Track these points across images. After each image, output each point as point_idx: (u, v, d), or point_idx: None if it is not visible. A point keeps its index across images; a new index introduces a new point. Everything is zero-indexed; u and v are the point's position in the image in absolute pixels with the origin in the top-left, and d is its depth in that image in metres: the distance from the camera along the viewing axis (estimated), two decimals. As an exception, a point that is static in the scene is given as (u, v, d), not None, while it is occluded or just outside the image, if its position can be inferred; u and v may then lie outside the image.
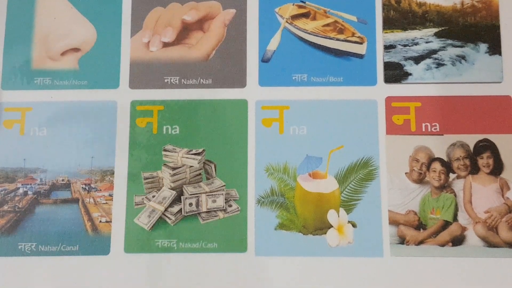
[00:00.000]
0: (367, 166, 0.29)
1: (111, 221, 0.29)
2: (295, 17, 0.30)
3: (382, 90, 0.30)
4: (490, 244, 0.29)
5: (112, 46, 0.31)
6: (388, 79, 0.30)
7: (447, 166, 0.29)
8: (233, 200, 0.29)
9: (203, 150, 0.29)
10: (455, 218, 0.29)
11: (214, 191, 0.29)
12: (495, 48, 0.30)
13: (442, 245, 0.28)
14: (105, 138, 0.30)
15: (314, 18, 0.30)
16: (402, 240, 0.28)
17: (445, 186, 0.29)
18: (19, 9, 0.31)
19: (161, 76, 0.30)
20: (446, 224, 0.29)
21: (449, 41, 0.30)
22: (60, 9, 0.31)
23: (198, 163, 0.29)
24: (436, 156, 0.29)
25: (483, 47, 0.30)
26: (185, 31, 0.30)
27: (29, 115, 0.30)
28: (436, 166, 0.29)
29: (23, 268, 0.29)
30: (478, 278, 0.28)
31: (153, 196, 0.29)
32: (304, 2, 0.31)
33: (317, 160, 0.29)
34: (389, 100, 0.29)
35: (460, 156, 0.29)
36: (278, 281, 0.28)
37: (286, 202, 0.29)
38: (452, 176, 0.29)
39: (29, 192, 0.30)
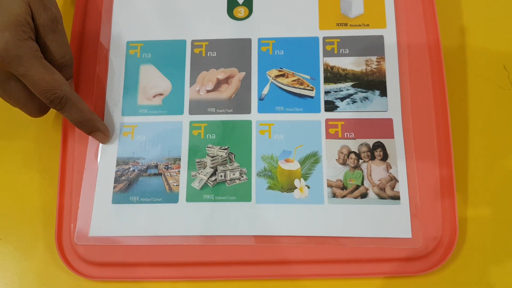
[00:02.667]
0: (315, 155, 0.31)
1: (179, 185, 0.31)
2: (277, 76, 0.33)
3: (323, 115, 0.32)
4: (381, 197, 0.30)
5: (180, 92, 0.33)
6: (326, 109, 0.32)
7: (358, 156, 0.31)
8: (244, 173, 0.31)
9: (228, 147, 0.32)
10: (362, 183, 0.31)
11: (234, 169, 0.31)
12: (383, 93, 0.32)
13: (355, 198, 0.30)
14: (176, 140, 0.32)
15: (287, 77, 0.33)
16: (334, 195, 0.31)
17: (357, 166, 0.31)
18: (131, 72, 0.34)
19: (205, 108, 0.33)
20: (357, 187, 0.31)
21: (359, 89, 0.33)
22: (152, 72, 0.34)
23: (225, 154, 0.32)
24: (352, 150, 0.31)
25: (377, 92, 0.32)
26: (218, 84, 0.33)
27: (136, 129, 0.33)
28: (352, 156, 0.31)
29: (132, 210, 0.31)
30: (373, 216, 0.30)
31: (201, 172, 0.32)
32: (282, 68, 0.33)
33: (289, 153, 0.32)
34: (327, 120, 0.32)
35: (365, 150, 0.31)
36: (268, 216, 0.30)
37: (272, 175, 0.31)
38: (360, 161, 0.31)
39: (136, 170, 0.32)
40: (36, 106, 0.29)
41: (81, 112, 0.30)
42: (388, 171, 0.31)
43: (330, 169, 0.31)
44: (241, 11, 0.34)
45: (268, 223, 0.30)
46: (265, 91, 0.33)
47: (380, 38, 0.34)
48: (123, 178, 0.32)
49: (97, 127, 0.31)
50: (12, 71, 0.26)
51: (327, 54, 0.33)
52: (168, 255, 0.30)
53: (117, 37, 0.34)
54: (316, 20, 0.34)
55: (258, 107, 0.33)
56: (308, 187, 0.31)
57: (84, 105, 0.30)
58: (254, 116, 0.32)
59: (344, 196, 0.31)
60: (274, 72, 0.33)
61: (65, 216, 0.32)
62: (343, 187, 0.31)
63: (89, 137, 0.33)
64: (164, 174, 0.32)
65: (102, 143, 0.33)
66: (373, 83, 0.33)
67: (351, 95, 0.33)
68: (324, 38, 0.34)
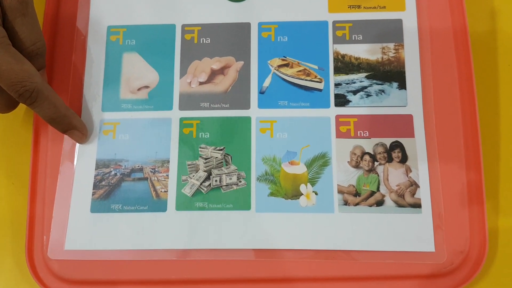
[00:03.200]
0: (324, 157, 0.30)
1: (167, 191, 0.29)
2: (280, 66, 0.31)
3: (333, 111, 0.30)
4: (399, 205, 0.29)
5: (169, 84, 0.31)
6: (337, 104, 0.30)
7: (373, 157, 0.29)
8: (242, 178, 0.29)
9: (224, 147, 0.30)
10: (378, 189, 0.29)
11: (231, 173, 0.30)
12: (402, 85, 0.30)
13: (370, 205, 0.29)
14: (164, 140, 0.30)
15: (291, 67, 0.31)
16: (346, 202, 0.29)
17: (372, 170, 0.29)
18: (112, 62, 0.32)
19: (198, 102, 0.31)
20: (372, 193, 0.29)
21: (374, 81, 0.31)
22: (136, 61, 0.32)
23: (221, 155, 0.30)
24: (366, 151, 0.29)
25: (395, 84, 0.30)
26: (213, 75, 0.31)
27: (118, 127, 0.31)
28: (366, 157, 0.29)
29: (113, 220, 0.29)
30: (391, 226, 0.28)
31: (193, 176, 0.30)
32: (285, 57, 0.32)
33: (294, 154, 0.30)
34: (337, 117, 0.30)
35: (381, 151, 0.29)
36: (269, 227, 0.28)
37: (274, 179, 0.29)
38: (376, 163, 0.29)
39: (118, 174, 0.30)
40: (3, 101, 0.27)
41: (54, 107, 0.28)
42: (407, 175, 0.29)
43: (341, 173, 0.29)
44: (239, -9, 0.32)
45: (270, 235, 0.28)
46: (267, 83, 0.31)
47: (399, 22, 0.32)
48: (103, 183, 0.30)
49: (73, 124, 0.29)
50: None
51: (337, 40, 0.32)
52: (155, 272, 0.29)
53: (96, 21, 0.32)
54: (325, 2, 0.32)
55: (258, 102, 0.31)
56: (316, 194, 0.29)
57: (58, 99, 0.28)
58: (254, 112, 0.31)
59: (357, 204, 0.29)
60: (277, 61, 0.32)
61: (37, 227, 0.30)
62: (356, 194, 0.29)
63: (65, 136, 0.31)
64: (150, 179, 0.30)
65: (79, 142, 0.30)
66: (391, 74, 0.31)
67: (365, 87, 0.31)
68: (334, 23, 0.32)
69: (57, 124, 0.29)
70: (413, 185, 0.29)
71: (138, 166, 0.30)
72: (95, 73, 0.32)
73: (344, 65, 0.31)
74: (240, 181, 0.30)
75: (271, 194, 0.29)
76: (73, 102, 0.32)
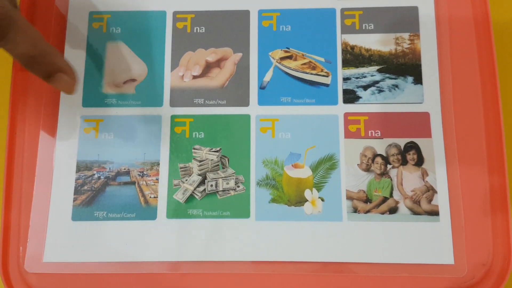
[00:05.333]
0: (331, 159, 0.28)
1: (157, 197, 0.28)
2: (282, 58, 0.30)
3: (341, 108, 0.29)
4: (414, 212, 0.27)
5: (158, 77, 0.30)
6: (345, 101, 0.29)
7: (386, 160, 0.28)
8: (240, 182, 0.28)
9: (220, 148, 0.29)
10: (391, 195, 0.28)
11: (228, 176, 0.28)
12: (418, 80, 0.29)
13: (382, 213, 0.27)
14: (153, 140, 0.29)
15: (295, 59, 0.30)
16: (355, 210, 0.28)
17: (384, 173, 0.28)
18: (95, 51, 0.31)
19: (191, 98, 0.30)
20: (385, 199, 0.28)
21: (387, 75, 0.30)
22: (123, 52, 0.30)
23: (216, 157, 0.29)
24: (378, 152, 0.28)
25: (410, 79, 0.29)
26: (208, 68, 0.30)
27: (101, 124, 0.29)
28: (378, 159, 0.28)
29: (97, 229, 0.28)
30: (405, 236, 0.27)
31: (186, 180, 0.29)
32: (288, 48, 0.30)
33: (297, 156, 0.29)
34: (346, 115, 0.29)
35: (395, 153, 0.28)
36: (270, 238, 0.27)
37: (276, 184, 0.28)
38: (389, 166, 0.28)
39: (102, 177, 0.29)
40: None
41: (32, 41, 0.23)
42: (424, 180, 0.28)
43: (350, 177, 0.28)
44: (236, -25, 0.31)
45: (271, 246, 0.27)
46: (268, 77, 0.30)
47: (414, 9, 0.30)
48: (85, 188, 0.29)
49: (57, 65, 0.25)
50: None
51: (346, 30, 0.30)
52: (144, 287, 0.27)
53: (77, 6, 0.31)
54: (333, -13, 0.31)
55: (258, 98, 0.30)
56: (322, 200, 0.28)
57: (37, 33, 0.23)
58: (254, 109, 0.29)
59: (367, 211, 0.28)
60: (279, 53, 0.30)
61: (12, 237, 0.28)
62: (367, 200, 0.28)
63: (40, 132, 0.29)
64: (138, 183, 0.29)
65: (68, 92, 0.26)
66: (405, 67, 0.30)
67: (377, 82, 0.29)
68: (343, 10, 0.30)
69: (37, 65, 0.24)
70: (430, 191, 0.28)
71: (125, 169, 0.29)
72: (74, 63, 0.30)
73: (354, 58, 0.30)
74: (238, 186, 0.28)
75: (273, 200, 0.28)
76: (49, 95, 0.30)
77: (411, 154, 0.28)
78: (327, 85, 0.29)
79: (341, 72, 0.29)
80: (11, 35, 0.22)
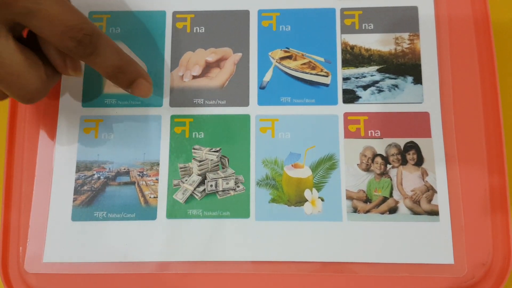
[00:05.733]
0: (331, 159, 0.28)
1: (157, 197, 0.28)
2: (282, 58, 0.30)
3: (341, 108, 0.29)
4: (414, 212, 0.27)
5: (158, 78, 0.30)
6: (345, 101, 0.29)
7: (386, 160, 0.28)
8: (240, 182, 0.28)
9: (220, 148, 0.29)
10: (391, 195, 0.28)
11: (227, 177, 0.28)
12: (417, 80, 0.29)
13: (382, 213, 0.27)
14: (153, 140, 0.29)
15: (295, 59, 0.30)
16: (355, 210, 0.27)
17: (384, 173, 0.28)
18: None
19: (191, 99, 0.29)
20: (385, 199, 0.28)
21: (387, 75, 0.29)
22: None
23: (216, 157, 0.29)
24: (378, 152, 0.28)
25: (410, 79, 0.29)
26: (208, 68, 0.30)
27: (101, 125, 0.29)
28: (378, 159, 0.28)
29: (97, 229, 0.28)
30: (405, 236, 0.27)
31: (186, 180, 0.28)
32: (288, 48, 0.30)
33: (297, 156, 0.29)
34: (346, 115, 0.29)
35: (394, 153, 0.28)
36: (270, 238, 0.27)
37: (276, 184, 0.28)
38: (388, 166, 0.28)
39: (101, 177, 0.28)
40: (37, 74, 0.23)
41: (118, 53, 0.25)
42: (423, 179, 0.28)
43: (350, 176, 0.28)
44: (236, -25, 0.31)
45: (271, 246, 0.27)
46: (267, 77, 0.30)
47: (414, 9, 0.30)
48: (85, 188, 0.29)
49: (140, 71, 0.26)
50: (17, 9, 0.21)
51: (346, 30, 0.30)
52: (143, 287, 0.27)
53: (77, 5, 0.29)
54: (332, -13, 0.31)
55: (258, 98, 0.30)
56: (322, 200, 0.28)
57: (116, 44, 0.25)
58: (253, 109, 0.29)
59: (367, 211, 0.28)
60: (279, 53, 0.30)
61: (12, 237, 0.28)
62: (367, 200, 0.28)
63: (40, 132, 0.29)
64: (138, 183, 0.29)
65: (146, 96, 0.27)
66: (405, 67, 0.30)
67: (377, 82, 0.29)
68: (342, 10, 0.30)
69: (123, 74, 0.25)
70: (430, 190, 0.28)
71: (124, 169, 0.29)
72: (75, 64, 0.31)
73: (353, 57, 0.30)
74: (238, 186, 0.28)
75: (273, 200, 0.28)
76: (49, 96, 0.30)
77: (411, 154, 0.28)
78: (327, 85, 0.29)
79: (340, 72, 0.29)
80: (101, 48, 0.23)
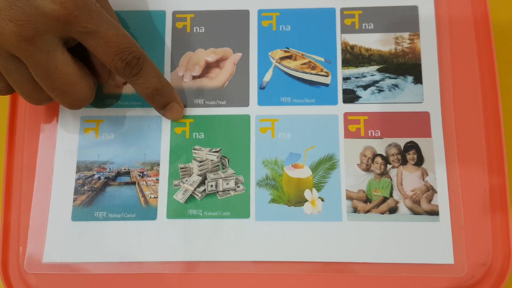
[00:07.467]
0: (331, 159, 0.28)
1: (157, 197, 0.28)
2: (282, 58, 0.30)
3: (341, 108, 0.29)
4: (414, 212, 0.27)
5: None
6: (345, 101, 0.29)
7: (386, 160, 0.28)
8: (240, 183, 0.28)
9: (220, 149, 0.29)
10: (391, 195, 0.27)
11: (228, 177, 0.28)
12: (418, 79, 0.29)
13: (382, 213, 0.27)
14: (153, 140, 0.29)
15: (295, 59, 0.30)
16: (355, 210, 0.27)
17: (384, 173, 0.28)
18: None
19: (191, 99, 0.29)
20: (385, 199, 0.27)
21: (387, 75, 0.29)
22: None
23: (217, 158, 0.29)
24: (378, 152, 0.28)
25: (410, 78, 0.29)
26: (208, 68, 0.30)
27: (101, 125, 0.29)
28: (378, 159, 0.28)
29: (97, 229, 0.28)
30: (405, 236, 0.27)
31: (186, 180, 0.28)
32: (288, 48, 0.30)
33: (297, 156, 0.28)
34: (346, 114, 0.29)
35: (394, 152, 0.28)
36: (270, 238, 0.27)
37: (276, 184, 0.28)
38: (388, 166, 0.28)
39: (102, 177, 0.28)
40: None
41: (158, 76, 0.26)
42: (424, 179, 0.28)
43: (350, 177, 0.28)
44: (236, -25, 0.31)
45: (271, 246, 0.27)
46: (267, 77, 0.30)
47: (414, 9, 0.30)
48: (85, 188, 0.29)
49: (174, 95, 0.28)
50: (77, 28, 0.23)
51: (346, 29, 0.30)
52: (144, 286, 0.27)
53: None
54: (332, -13, 0.31)
55: (258, 98, 0.29)
56: (322, 200, 0.28)
57: (158, 68, 0.27)
58: (253, 109, 0.29)
59: (367, 211, 0.28)
60: (279, 53, 0.30)
61: (12, 237, 0.28)
62: (367, 200, 0.28)
63: (40, 132, 0.29)
64: (138, 183, 0.28)
65: (176, 119, 0.29)
66: (405, 66, 0.29)
67: (377, 82, 0.29)
68: (342, 10, 0.30)
69: (160, 97, 0.27)
70: (430, 190, 0.28)
71: (125, 169, 0.29)
72: (75, 65, 0.30)
73: (354, 57, 0.30)
74: (238, 186, 0.28)
75: (273, 200, 0.28)
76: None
77: (411, 154, 0.28)
78: (326, 85, 0.29)
79: (340, 72, 0.29)
80: (145, 71, 0.25)
